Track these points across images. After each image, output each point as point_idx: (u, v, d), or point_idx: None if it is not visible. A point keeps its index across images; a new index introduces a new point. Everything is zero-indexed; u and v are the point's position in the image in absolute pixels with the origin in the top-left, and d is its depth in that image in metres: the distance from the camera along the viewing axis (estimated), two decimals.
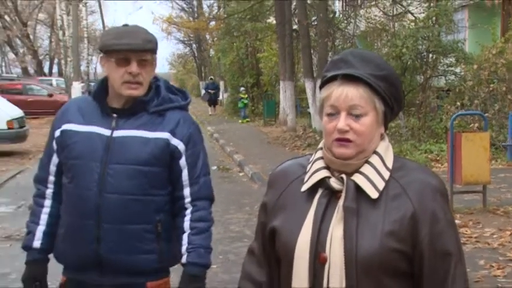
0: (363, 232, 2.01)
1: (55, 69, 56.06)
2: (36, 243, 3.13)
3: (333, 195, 2.09)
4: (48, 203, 3.17)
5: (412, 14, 19.01)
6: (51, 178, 3.16)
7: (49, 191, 3.17)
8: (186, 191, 3.08)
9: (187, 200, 3.08)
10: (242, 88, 31.65)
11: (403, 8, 19.95)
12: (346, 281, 2.00)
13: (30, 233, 3.16)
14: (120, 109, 3.02)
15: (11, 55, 58.59)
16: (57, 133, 3.10)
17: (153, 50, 3.02)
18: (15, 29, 47.28)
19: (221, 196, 11.89)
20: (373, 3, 22.21)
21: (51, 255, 3.22)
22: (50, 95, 30.56)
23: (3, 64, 66.70)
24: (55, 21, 44.09)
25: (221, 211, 10.56)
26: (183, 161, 3.06)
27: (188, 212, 3.08)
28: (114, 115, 3.02)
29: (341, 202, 2.05)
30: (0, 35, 48.70)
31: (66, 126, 3.06)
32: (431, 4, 17.24)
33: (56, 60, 54.97)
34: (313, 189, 2.12)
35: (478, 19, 20.00)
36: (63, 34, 33.68)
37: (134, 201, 2.97)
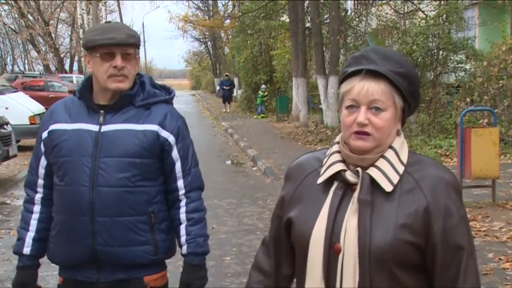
0: (377, 224, 2.00)
1: (75, 67, 56.21)
2: (26, 249, 3.13)
3: (348, 188, 2.08)
4: (37, 208, 3.15)
5: (422, 11, 18.94)
6: (40, 181, 3.14)
7: (38, 196, 3.15)
8: (180, 183, 3.09)
9: (181, 192, 3.10)
10: (263, 86, 31.52)
11: (414, 6, 19.91)
12: (360, 272, 1.99)
13: (20, 240, 3.14)
14: (107, 105, 3.02)
15: (34, 53, 58.96)
16: (45, 134, 3.08)
17: (136, 45, 3.04)
18: (37, 28, 47.50)
19: (235, 190, 11.95)
20: (385, 1, 22.19)
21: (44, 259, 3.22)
22: (71, 92, 30.64)
23: (26, 62, 67.10)
24: (76, 20, 44.24)
25: (235, 204, 10.61)
26: (175, 154, 3.07)
27: (183, 203, 3.10)
28: (101, 111, 3.01)
29: (356, 194, 2.05)
30: (23, 33, 49.06)
31: (53, 127, 3.05)
32: (442, 2, 17.14)
33: (76, 58, 55.16)
34: (329, 182, 2.12)
35: (488, 17, 19.88)
36: (83, 32, 33.78)
37: (127, 193, 2.96)
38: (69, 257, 3.04)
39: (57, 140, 3.00)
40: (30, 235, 3.12)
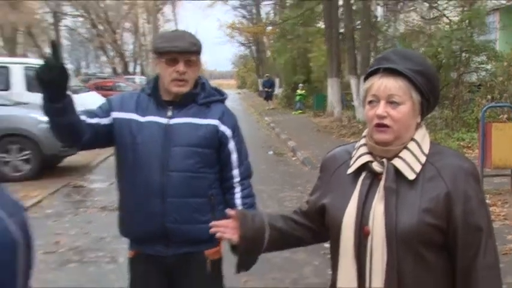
0: (402, 209, 1.99)
1: (138, 69, 56.87)
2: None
3: (375, 177, 2.08)
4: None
5: (447, 17, 18.60)
6: (88, 130, 3.02)
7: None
8: (235, 172, 3.15)
9: (236, 179, 3.16)
10: (301, 85, 31.49)
11: (439, 12, 19.55)
12: (388, 252, 1.99)
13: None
14: (173, 101, 3.07)
15: (103, 58, 59.83)
16: (117, 115, 3.08)
17: (198, 52, 3.06)
18: (106, 36, 48.40)
19: (276, 177, 11.95)
20: (412, 8, 21.89)
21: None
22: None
23: (97, 65, 68.03)
24: (138, 29, 44.82)
25: (276, 190, 10.62)
26: (231, 146, 3.13)
27: (238, 190, 3.16)
28: (170, 106, 3.06)
29: (382, 183, 2.04)
30: (95, 41, 49.95)
31: (126, 116, 3.08)
32: (465, 8, 16.79)
33: (138, 62, 55.83)
34: (357, 172, 2.12)
35: (509, 21, 19.44)
36: (145, 39, 34.20)
37: (191, 178, 3.02)
38: (143, 234, 3.09)
39: (132, 129, 3.05)
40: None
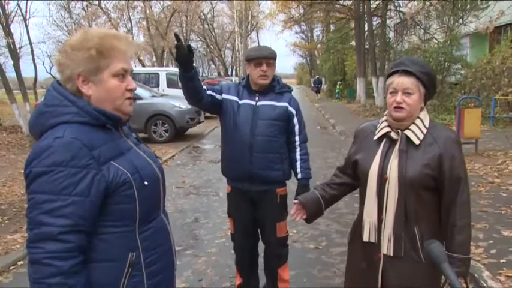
0: (410, 164, 1.93)
1: (233, 72, 57.24)
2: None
3: (392, 142, 2.00)
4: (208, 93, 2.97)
5: (436, 39, 17.78)
6: (208, 97, 2.96)
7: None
8: (297, 138, 3.08)
9: (297, 142, 3.08)
10: (339, 82, 30.99)
11: (431, 35, 18.72)
12: (399, 192, 1.93)
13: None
14: (258, 91, 3.02)
15: (212, 66, 60.60)
16: (225, 96, 3.02)
17: (274, 58, 3.01)
18: (215, 52, 48.72)
19: (321, 143, 11.78)
20: (413, 33, 21.04)
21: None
22: None
23: (208, 70, 68.89)
24: (234, 47, 44.91)
25: (321, 151, 10.45)
26: (295, 121, 3.06)
27: (298, 149, 3.09)
28: (257, 94, 3.02)
29: (397, 146, 1.97)
30: (207, 56, 50.49)
31: (231, 98, 3.03)
32: (447, 33, 16.11)
33: (234, 68, 56.20)
34: (380, 139, 2.04)
35: (475, 42, 19.19)
36: (238, 54, 34.21)
37: (270, 140, 2.97)
38: (236, 174, 3.07)
39: (234, 107, 3.01)
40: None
